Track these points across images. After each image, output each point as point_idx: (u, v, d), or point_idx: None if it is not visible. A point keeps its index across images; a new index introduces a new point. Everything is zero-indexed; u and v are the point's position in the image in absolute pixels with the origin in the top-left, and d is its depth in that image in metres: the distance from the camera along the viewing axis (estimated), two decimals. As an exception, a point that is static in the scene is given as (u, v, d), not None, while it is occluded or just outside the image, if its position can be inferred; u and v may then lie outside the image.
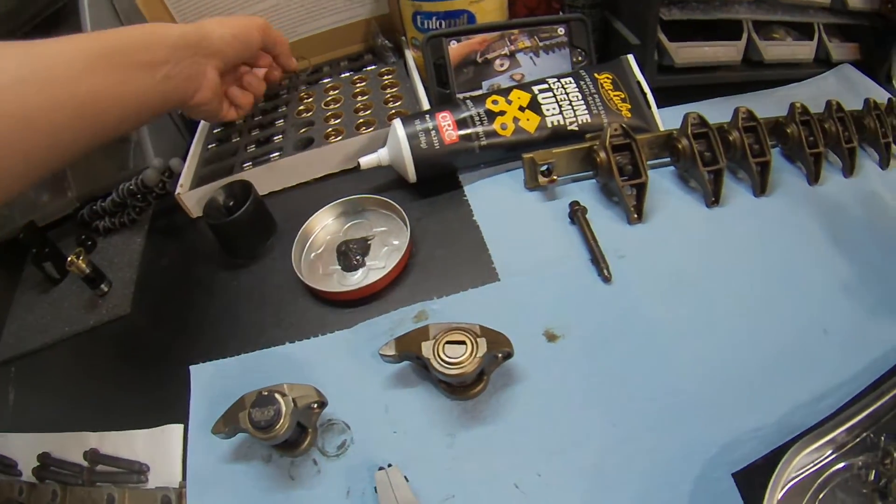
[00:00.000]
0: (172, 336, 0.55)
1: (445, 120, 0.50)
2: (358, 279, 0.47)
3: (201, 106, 0.48)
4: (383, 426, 0.41)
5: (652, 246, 0.46)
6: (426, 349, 0.37)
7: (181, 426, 0.47)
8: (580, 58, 0.58)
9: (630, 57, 0.57)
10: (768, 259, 0.46)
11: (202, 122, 0.74)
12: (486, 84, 0.57)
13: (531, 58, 0.56)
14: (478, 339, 0.37)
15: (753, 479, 0.34)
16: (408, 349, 0.38)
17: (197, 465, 0.44)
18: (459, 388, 0.40)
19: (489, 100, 0.52)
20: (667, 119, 0.55)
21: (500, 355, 0.38)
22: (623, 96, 0.54)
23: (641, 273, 0.45)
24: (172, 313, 0.57)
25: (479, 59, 0.56)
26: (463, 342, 0.37)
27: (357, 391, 0.42)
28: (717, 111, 0.53)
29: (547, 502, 0.36)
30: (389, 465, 0.37)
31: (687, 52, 0.59)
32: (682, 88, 0.59)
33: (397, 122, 0.51)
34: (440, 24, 0.59)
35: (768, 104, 0.58)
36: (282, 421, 0.37)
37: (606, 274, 0.44)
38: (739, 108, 0.52)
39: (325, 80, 0.67)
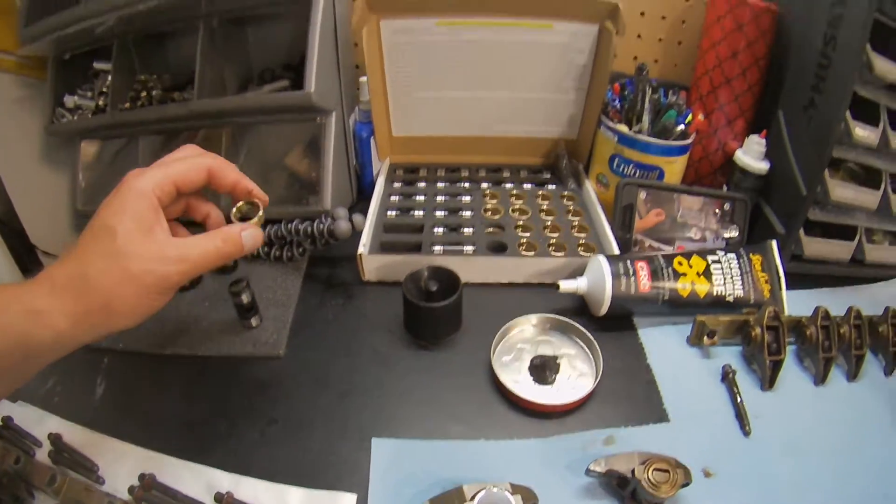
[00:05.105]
0: (337, 396, 0.55)
1: (643, 270, 0.61)
2: (549, 394, 0.56)
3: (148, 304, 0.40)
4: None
5: (778, 411, 0.57)
6: (639, 471, 0.46)
7: (354, 496, 0.46)
8: (734, 234, 0.70)
9: (774, 243, 0.69)
10: (860, 434, 0.55)
11: (379, 181, 0.76)
12: (677, 242, 0.68)
13: (715, 230, 0.68)
14: (676, 470, 0.46)
15: None
16: (615, 468, 0.48)
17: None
18: (645, 509, 0.49)
19: (675, 260, 0.63)
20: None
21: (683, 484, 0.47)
22: (766, 278, 0.67)
23: (772, 433, 0.55)
24: (337, 372, 0.57)
25: (679, 219, 0.67)
26: (667, 471, 0.46)
27: (550, 501, 0.47)
28: (822, 300, 0.64)
29: None
30: None
31: (816, 247, 0.72)
32: (799, 275, 0.72)
33: (603, 260, 0.61)
34: (634, 172, 0.70)
35: (864, 299, 0.70)
36: None
37: (748, 429, 0.55)
38: (852, 307, 0.64)
39: (509, 185, 0.75)
